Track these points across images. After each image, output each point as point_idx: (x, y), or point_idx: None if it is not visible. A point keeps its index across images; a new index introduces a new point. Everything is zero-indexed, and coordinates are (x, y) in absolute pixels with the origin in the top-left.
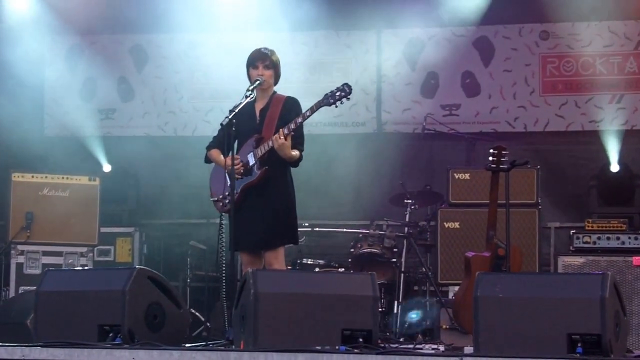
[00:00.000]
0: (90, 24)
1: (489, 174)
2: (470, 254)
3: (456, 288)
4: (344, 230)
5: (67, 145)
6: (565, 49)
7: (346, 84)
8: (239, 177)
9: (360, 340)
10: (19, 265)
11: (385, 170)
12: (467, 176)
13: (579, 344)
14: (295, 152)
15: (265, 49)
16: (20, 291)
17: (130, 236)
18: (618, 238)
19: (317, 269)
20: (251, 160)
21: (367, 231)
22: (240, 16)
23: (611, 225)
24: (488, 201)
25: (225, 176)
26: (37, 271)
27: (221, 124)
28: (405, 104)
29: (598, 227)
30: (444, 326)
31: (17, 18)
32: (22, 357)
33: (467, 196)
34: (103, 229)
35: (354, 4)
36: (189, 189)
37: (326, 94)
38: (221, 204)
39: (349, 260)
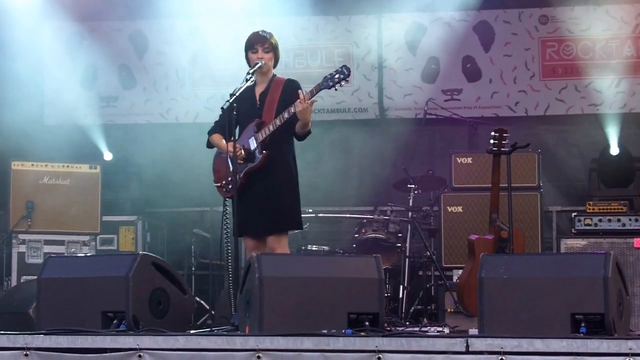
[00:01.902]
0: (89, 11)
1: (492, 157)
2: (473, 237)
3: (460, 271)
4: (348, 215)
5: (68, 134)
6: (565, 33)
7: (344, 66)
8: (241, 162)
9: (367, 323)
10: (21, 255)
11: (387, 155)
12: (469, 160)
13: (583, 324)
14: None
15: (264, 31)
16: (22, 281)
17: (133, 225)
18: (619, 220)
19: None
20: (252, 145)
21: (372, 216)
22: (242, 1)
23: (612, 207)
24: (490, 185)
25: (228, 161)
26: (39, 260)
27: (222, 108)
28: (407, 90)
29: (599, 209)
30: (449, 309)
31: (15, 4)
32: (25, 345)
33: (469, 180)
34: (106, 218)
35: None
36: (191, 177)
37: (325, 77)
38: (224, 189)
39: (353, 245)
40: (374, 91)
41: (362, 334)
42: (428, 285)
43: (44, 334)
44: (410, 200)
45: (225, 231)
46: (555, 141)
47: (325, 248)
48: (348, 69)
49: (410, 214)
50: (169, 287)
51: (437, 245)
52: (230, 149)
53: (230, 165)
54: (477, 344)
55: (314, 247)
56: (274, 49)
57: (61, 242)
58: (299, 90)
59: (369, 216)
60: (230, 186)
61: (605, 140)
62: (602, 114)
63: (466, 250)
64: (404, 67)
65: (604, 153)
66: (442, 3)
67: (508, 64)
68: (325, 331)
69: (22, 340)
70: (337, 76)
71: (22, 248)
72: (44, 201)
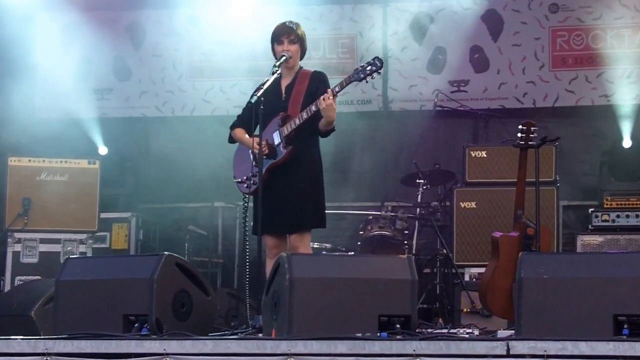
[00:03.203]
0: (85, 0)
1: (507, 151)
2: (497, 234)
3: (472, 270)
4: (353, 212)
5: (60, 127)
6: (575, 22)
7: (377, 57)
8: (264, 157)
9: (398, 326)
10: (16, 254)
11: (391, 149)
12: (483, 154)
13: (625, 326)
14: None
15: (291, 22)
16: (16, 281)
17: (127, 222)
18: (637, 215)
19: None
20: (276, 139)
21: (379, 213)
22: None
23: (630, 202)
24: (505, 180)
25: (251, 157)
26: (35, 260)
27: (249, 102)
28: (412, 80)
29: (617, 204)
30: (465, 309)
31: None
32: (46, 351)
33: (483, 175)
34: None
35: None
36: (188, 172)
37: (356, 69)
38: (246, 185)
39: (358, 243)
40: (377, 82)
41: (398, 337)
42: (435, 283)
43: (66, 338)
44: (419, 196)
45: (245, 229)
46: (563, 133)
47: (327, 245)
48: (381, 61)
49: (418, 209)
50: (192, 288)
51: (448, 242)
52: (255, 144)
53: (253, 161)
54: (519, 347)
55: (315, 244)
56: (300, 41)
57: (57, 241)
58: (305, 104)
59: (375, 212)
60: (252, 182)
61: (617, 133)
62: (615, 105)
63: (479, 248)
64: (410, 57)
65: (616, 146)
66: None
67: (517, 54)
68: (359, 334)
69: (42, 345)
70: (368, 68)
71: (18, 247)
72: (41, 198)
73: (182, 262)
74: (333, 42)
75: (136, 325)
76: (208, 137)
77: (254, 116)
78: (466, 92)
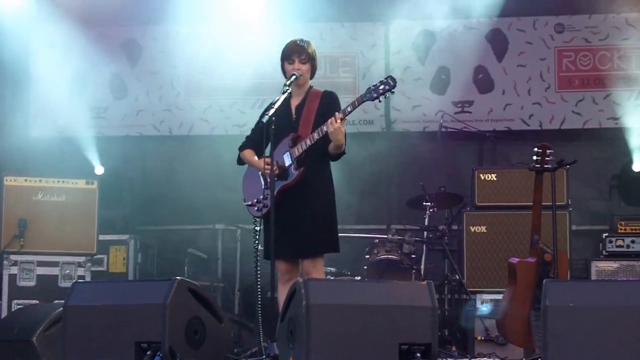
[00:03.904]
0: (79, 16)
1: (517, 174)
2: (514, 260)
3: (484, 296)
4: (359, 235)
5: (55, 146)
6: (581, 43)
7: (390, 76)
8: (275, 178)
9: (418, 355)
10: (12, 277)
11: (395, 171)
12: (493, 177)
13: None
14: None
15: (302, 40)
16: (14, 305)
17: (124, 244)
18: None
19: (330, 277)
20: (287, 161)
21: (385, 236)
22: (241, 7)
23: None
24: (516, 203)
25: (261, 178)
26: (32, 283)
27: (260, 121)
28: (415, 101)
29: (632, 229)
30: (479, 337)
31: (2, 10)
32: None
33: (494, 198)
34: None
35: None
36: (186, 193)
37: (369, 88)
38: (256, 208)
39: (365, 267)
40: (380, 102)
41: None
42: (444, 309)
43: None
44: (426, 219)
45: (256, 254)
46: (570, 157)
47: (332, 269)
48: (394, 80)
49: (425, 233)
50: (205, 315)
51: (457, 267)
52: (265, 165)
53: (262, 182)
54: None
55: None
56: (311, 60)
57: (55, 264)
58: (316, 125)
59: (381, 236)
60: (262, 205)
61: (626, 156)
62: (623, 127)
63: (490, 273)
64: (413, 77)
65: (626, 169)
66: (453, 10)
67: (522, 75)
68: None
69: None
70: (381, 87)
71: (14, 270)
72: (38, 219)
73: (195, 287)
74: (334, 61)
75: (149, 353)
76: (207, 157)
77: (265, 136)
78: (470, 113)
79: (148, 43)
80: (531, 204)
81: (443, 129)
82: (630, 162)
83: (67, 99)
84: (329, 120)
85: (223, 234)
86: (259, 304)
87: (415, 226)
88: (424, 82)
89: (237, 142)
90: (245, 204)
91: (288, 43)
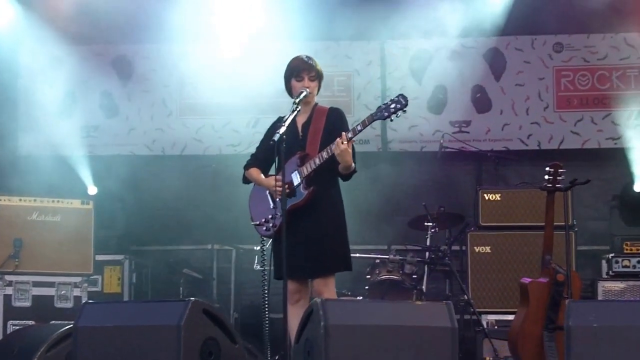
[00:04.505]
0: (69, 34)
1: (521, 194)
2: (526, 281)
3: (489, 317)
4: (359, 255)
5: (46, 166)
6: (580, 62)
7: (401, 95)
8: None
9: None
10: (7, 298)
11: (392, 191)
12: (497, 197)
13: None
14: (352, 165)
15: (309, 58)
16: (9, 325)
17: (119, 264)
18: None
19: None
20: (296, 180)
21: (386, 257)
22: (235, 26)
23: None
24: (521, 224)
25: (269, 197)
26: (27, 304)
27: (271, 140)
28: (412, 121)
29: (637, 249)
30: (487, 358)
31: None
32: None
33: (498, 218)
34: None
35: (356, 12)
36: (180, 213)
37: (379, 107)
38: (264, 227)
39: (366, 287)
40: (376, 122)
41: None
42: None
43: None
44: (428, 240)
45: (263, 274)
46: (570, 177)
47: None
48: (405, 98)
49: (427, 253)
50: (220, 336)
51: (457, 287)
52: (272, 183)
53: (271, 201)
54: None
55: None
56: (319, 77)
57: (51, 284)
58: (324, 143)
59: (382, 256)
60: (271, 224)
61: (625, 176)
62: (622, 147)
63: (495, 294)
64: (409, 97)
65: (627, 189)
66: (450, 29)
67: (520, 94)
68: None
69: None
70: (392, 106)
71: (9, 290)
72: (33, 239)
73: (210, 308)
74: (329, 80)
75: None
76: (201, 177)
77: (276, 154)
78: (468, 133)
79: (139, 61)
80: (535, 224)
81: (444, 149)
82: (632, 182)
83: (57, 117)
84: (336, 142)
85: (218, 254)
86: (267, 325)
87: (416, 246)
88: (421, 102)
89: (230, 162)
90: (253, 223)
91: (294, 60)
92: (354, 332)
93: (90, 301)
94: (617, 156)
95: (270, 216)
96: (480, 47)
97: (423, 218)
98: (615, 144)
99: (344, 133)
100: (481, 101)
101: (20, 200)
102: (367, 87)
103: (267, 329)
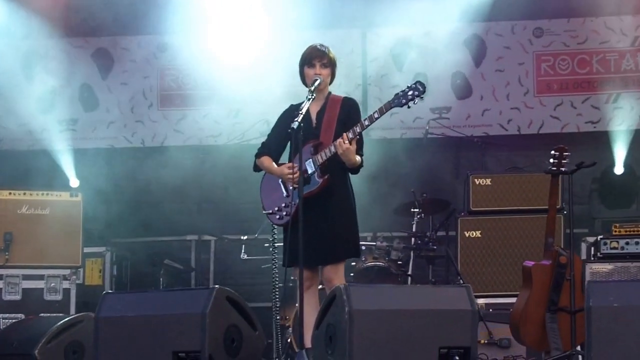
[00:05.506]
0: (48, 27)
1: (512, 179)
2: (529, 264)
3: (480, 300)
4: None
5: (27, 159)
6: (560, 47)
7: (419, 81)
8: (297, 186)
9: (457, 358)
10: None
11: (375, 178)
12: (488, 182)
13: None
14: (358, 158)
15: (322, 45)
16: (0, 319)
17: (101, 256)
18: None
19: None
20: (310, 168)
21: (373, 243)
22: (215, 16)
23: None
24: (511, 208)
25: (282, 186)
26: (17, 297)
27: (292, 128)
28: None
29: (626, 231)
30: (482, 341)
31: None
32: None
33: (488, 203)
34: None
35: (337, 1)
36: (159, 204)
37: (397, 94)
38: (277, 216)
39: (351, 274)
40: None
41: None
42: None
43: None
44: (414, 226)
45: (273, 262)
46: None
47: None
48: (423, 85)
49: (413, 239)
50: (242, 323)
51: (451, 272)
52: (285, 171)
53: (284, 190)
54: None
55: None
56: (332, 65)
57: (40, 277)
58: (338, 131)
59: (369, 243)
60: (284, 213)
61: (604, 160)
62: (600, 131)
63: (485, 278)
64: (390, 84)
65: (607, 173)
66: (430, 16)
67: (500, 80)
68: None
69: None
70: (410, 93)
71: None
72: (23, 232)
73: (233, 295)
74: None
75: None
76: (181, 168)
77: (292, 143)
78: (448, 119)
79: (119, 53)
80: (526, 207)
81: (430, 135)
82: (612, 165)
83: (36, 111)
84: (338, 142)
85: (196, 246)
86: (276, 311)
87: (402, 233)
88: (401, 89)
89: (211, 152)
90: (265, 212)
91: (309, 47)
92: (378, 317)
93: (110, 292)
94: (597, 140)
95: (283, 204)
96: (460, 34)
97: (409, 205)
98: (595, 127)
99: (345, 133)
100: (461, 87)
101: (10, 193)
102: (349, 75)
103: (277, 316)
